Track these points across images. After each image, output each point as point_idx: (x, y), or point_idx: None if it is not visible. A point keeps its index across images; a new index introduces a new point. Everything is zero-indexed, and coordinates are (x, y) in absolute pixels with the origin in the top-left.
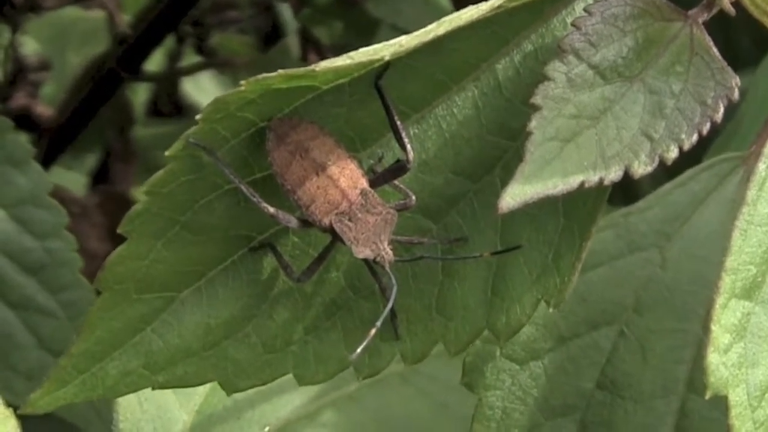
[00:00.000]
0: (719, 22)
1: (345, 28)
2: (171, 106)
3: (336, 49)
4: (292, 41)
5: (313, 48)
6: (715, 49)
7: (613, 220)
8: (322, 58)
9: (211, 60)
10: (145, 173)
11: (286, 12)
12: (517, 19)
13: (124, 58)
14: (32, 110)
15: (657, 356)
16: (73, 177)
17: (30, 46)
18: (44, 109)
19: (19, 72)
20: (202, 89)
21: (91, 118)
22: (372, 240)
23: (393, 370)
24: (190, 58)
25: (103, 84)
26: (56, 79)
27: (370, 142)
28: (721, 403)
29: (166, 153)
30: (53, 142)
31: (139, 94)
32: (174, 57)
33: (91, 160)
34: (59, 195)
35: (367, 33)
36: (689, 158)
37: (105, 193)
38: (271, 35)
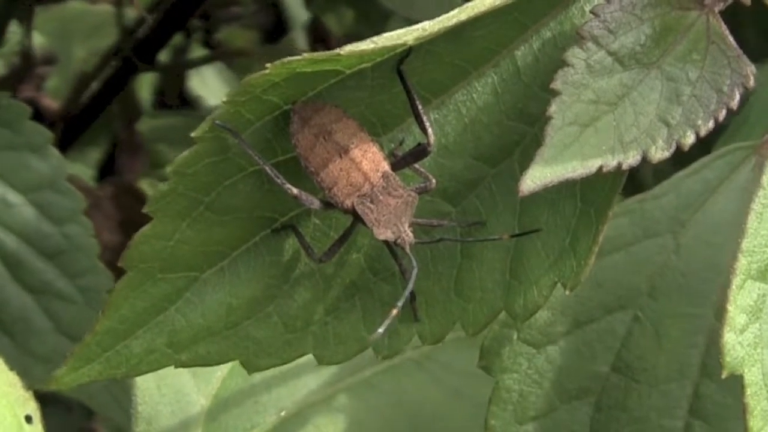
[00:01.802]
0: (727, 17)
1: (356, 18)
2: (178, 99)
3: (347, 40)
4: (298, 35)
5: (321, 40)
6: (731, 38)
7: (628, 206)
8: (332, 49)
9: (222, 51)
10: (152, 165)
11: (293, 5)
12: (536, 5)
13: (140, 47)
14: (39, 103)
15: (671, 341)
16: (79, 169)
17: (35, 40)
18: (50, 102)
19: (27, 64)
20: (206, 83)
21: (104, 108)
22: (393, 222)
23: (408, 356)
24: (196, 52)
25: (117, 74)
26: (61, 73)
27: (391, 126)
28: (733, 388)
29: (192, 134)
30: (64, 134)
31: (144, 87)
32: (181, 50)
33: (95, 153)
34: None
35: (379, 24)
36: (696, 151)
37: (114, 185)
38: (273, 31)
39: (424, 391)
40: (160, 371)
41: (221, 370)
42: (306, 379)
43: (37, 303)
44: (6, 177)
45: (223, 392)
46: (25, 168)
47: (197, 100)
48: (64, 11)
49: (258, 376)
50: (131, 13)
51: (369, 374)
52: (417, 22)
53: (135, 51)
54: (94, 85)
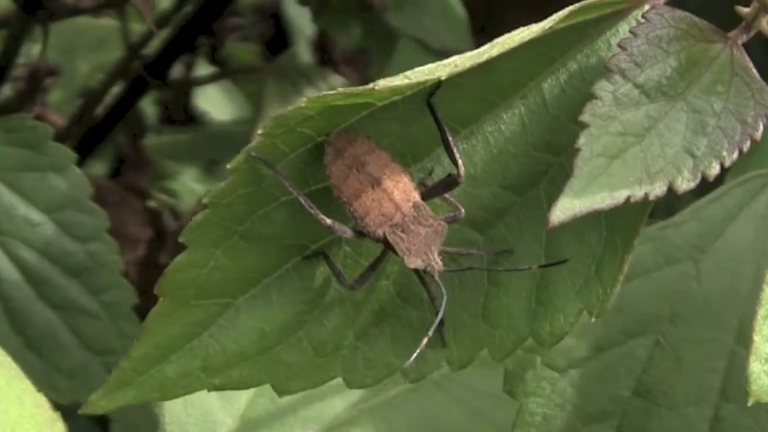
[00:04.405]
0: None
1: (364, 34)
2: (183, 114)
3: (354, 55)
4: (302, 48)
5: (328, 54)
6: (754, 70)
7: (650, 233)
8: (338, 64)
9: (231, 69)
10: (156, 177)
11: (296, 17)
12: (563, 39)
13: (152, 64)
14: (45, 119)
15: (691, 365)
16: None
17: (38, 53)
18: (56, 118)
19: (35, 81)
20: (210, 98)
21: (114, 125)
22: (423, 251)
23: (430, 377)
24: (201, 67)
25: (128, 91)
26: (64, 87)
27: (421, 157)
28: (754, 412)
29: (228, 166)
30: (76, 150)
31: (148, 102)
32: (188, 66)
33: (101, 167)
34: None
35: (386, 40)
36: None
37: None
38: (272, 42)
39: (445, 411)
40: None
41: (248, 392)
42: (331, 400)
43: (62, 319)
44: (29, 196)
45: (250, 413)
46: (48, 187)
47: (202, 114)
48: (68, 25)
49: (284, 397)
50: (136, 28)
51: (392, 395)
52: (424, 41)
53: (147, 68)
54: (109, 100)
